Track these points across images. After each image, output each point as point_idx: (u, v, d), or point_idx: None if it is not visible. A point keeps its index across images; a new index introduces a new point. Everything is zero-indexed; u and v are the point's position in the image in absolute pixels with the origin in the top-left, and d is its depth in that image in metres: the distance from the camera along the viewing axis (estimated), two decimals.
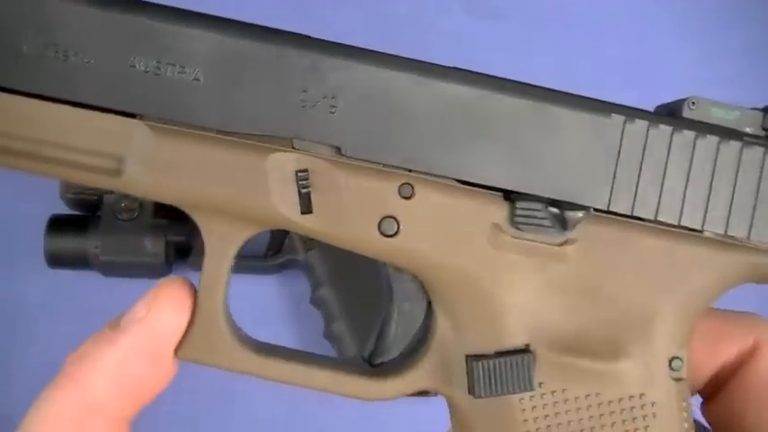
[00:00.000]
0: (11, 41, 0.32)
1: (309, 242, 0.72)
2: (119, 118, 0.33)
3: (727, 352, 0.39)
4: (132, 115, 0.33)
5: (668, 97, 0.38)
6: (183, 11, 0.33)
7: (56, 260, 0.73)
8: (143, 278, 0.73)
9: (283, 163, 0.34)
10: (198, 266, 0.77)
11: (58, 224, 0.73)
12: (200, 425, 0.74)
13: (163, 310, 0.35)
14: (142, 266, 0.72)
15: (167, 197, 0.34)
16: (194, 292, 0.36)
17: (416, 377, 0.37)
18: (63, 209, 0.74)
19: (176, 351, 0.36)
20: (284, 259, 0.74)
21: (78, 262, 0.72)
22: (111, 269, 0.73)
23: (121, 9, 0.33)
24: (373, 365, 0.38)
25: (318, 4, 0.82)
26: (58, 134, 0.33)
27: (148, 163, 0.34)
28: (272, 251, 0.74)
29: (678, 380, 0.37)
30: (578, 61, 0.79)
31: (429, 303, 0.37)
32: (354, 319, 0.71)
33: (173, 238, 0.72)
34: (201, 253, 0.36)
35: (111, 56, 0.33)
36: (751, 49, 0.79)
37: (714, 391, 0.40)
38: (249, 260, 0.75)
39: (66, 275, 0.75)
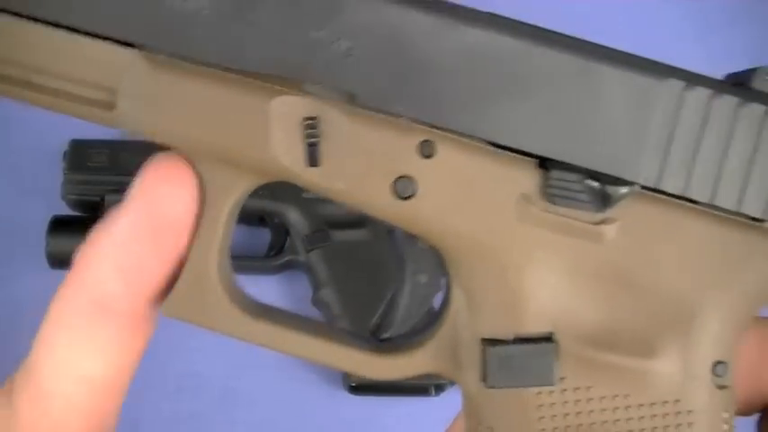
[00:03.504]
0: None
1: (311, 243, 0.72)
2: (114, 47, 0.31)
3: None
4: (129, 45, 0.31)
5: None
6: None
7: (57, 261, 0.73)
8: None
9: (290, 107, 0.31)
10: None
11: (59, 225, 0.73)
12: (203, 424, 0.74)
13: (161, 182, 0.32)
14: None
15: (160, 136, 0.32)
16: (192, 169, 0.33)
17: (424, 358, 0.34)
18: (65, 209, 0.74)
19: (162, 307, 0.33)
20: (285, 260, 0.74)
21: None
22: None
23: None
24: (379, 340, 0.35)
25: None
26: (49, 60, 0.31)
27: (142, 97, 0.31)
28: (274, 251, 0.74)
29: (722, 387, 0.33)
30: None
31: (445, 278, 0.34)
32: (356, 321, 0.71)
33: None
34: None
35: None
36: (755, 48, 0.79)
37: None
38: (250, 260, 0.75)
39: None
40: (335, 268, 0.72)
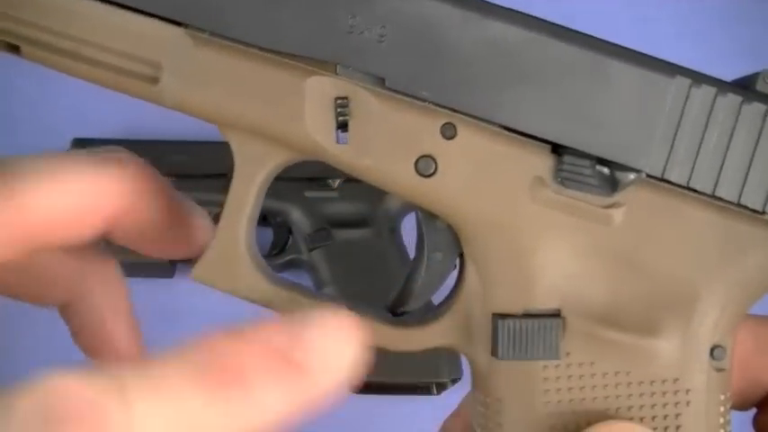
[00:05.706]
0: None
1: (313, 242, 0.72)
2: (161, 24, 0.33)
3: None
4: (175, 23, 0.33)
5: None
6: None
7: None
8: (146, 278, 0.74)
9: (323, 87, 0.33)
10: None
11: None
12: None
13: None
14: (146, 266, 0.72)
15: (199, 110, 0.34)
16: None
17: (438, 331, 0.36)
18: None
19: (192, 271, 0.35)
20: (288, 259, 0.74)
21: None
22: None
23: None
24: (395, 314, 0.37)
25: None
26: (101, 35, 0.33)
27: (185, 73, 0.33)
28: (276, 250, 0.75)
29: (719, 370, 0.34)
30: None
31: (460, 256, 0.36)
32: None
33: None
34: None
35: None
36: (755, 48, 0.79)
37: None
38: None
39: None
40: (337, 267, 0.72)
